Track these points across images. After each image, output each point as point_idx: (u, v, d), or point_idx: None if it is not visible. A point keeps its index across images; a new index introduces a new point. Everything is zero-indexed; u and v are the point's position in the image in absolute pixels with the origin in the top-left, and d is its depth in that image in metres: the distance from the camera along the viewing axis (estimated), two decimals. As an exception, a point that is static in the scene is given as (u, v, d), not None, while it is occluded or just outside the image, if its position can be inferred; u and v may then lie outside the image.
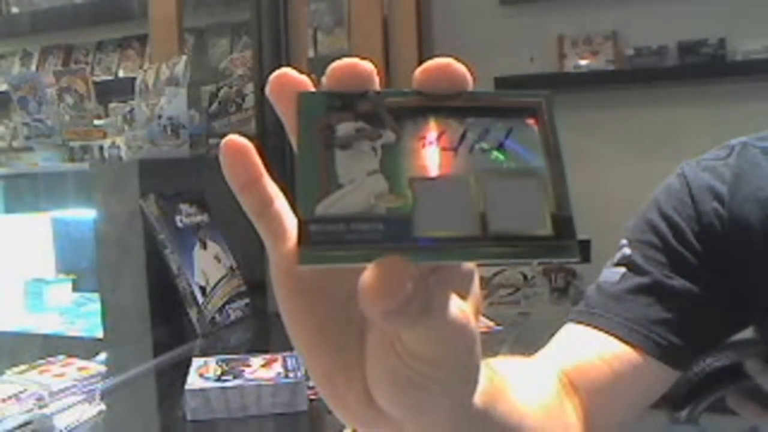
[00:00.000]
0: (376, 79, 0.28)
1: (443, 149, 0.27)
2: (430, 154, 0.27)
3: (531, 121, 0.28)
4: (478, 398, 0.33)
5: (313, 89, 0.29)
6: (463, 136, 0.28)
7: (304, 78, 0.29)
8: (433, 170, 0.27)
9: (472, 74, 0.28)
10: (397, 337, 0.29)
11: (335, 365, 0.32)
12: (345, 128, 0.27)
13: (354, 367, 0.31)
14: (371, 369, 0.31)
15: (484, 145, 0.28)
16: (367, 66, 0.28)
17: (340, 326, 0.32)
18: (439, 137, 0.27)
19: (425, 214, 0.26)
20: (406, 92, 0.28)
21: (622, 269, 0.68)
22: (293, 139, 0.28)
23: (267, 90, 0.30)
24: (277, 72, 0.29)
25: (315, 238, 0.25)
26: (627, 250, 0.69)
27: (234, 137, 0.30)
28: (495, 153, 0.28)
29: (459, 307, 0.29)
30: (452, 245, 0.26)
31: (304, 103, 0.28)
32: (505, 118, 0.28)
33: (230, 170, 0.30)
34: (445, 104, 0.28)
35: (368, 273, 0.25)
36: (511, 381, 0.41)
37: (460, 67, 0.28)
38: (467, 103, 0.28)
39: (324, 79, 0.28)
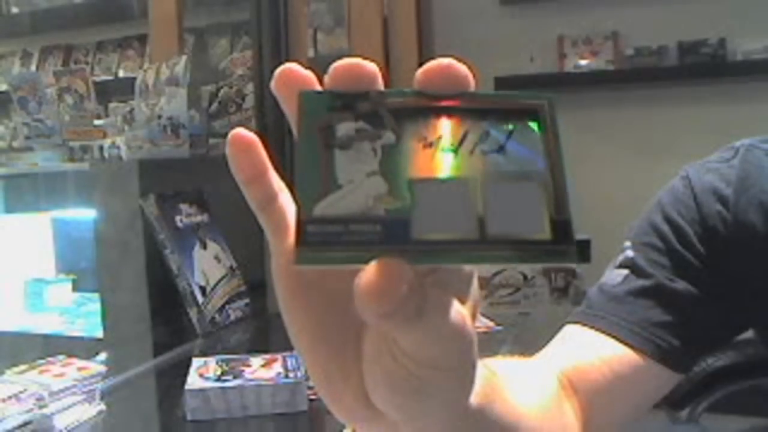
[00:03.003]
0: (380, 80, 0.28)
1: (443, 151, 0.27)
2: (430, 155, 0.27)
3: (533, 124, 0.28)
4: (474, 399, 0.33)
5: (317, 85, 0.29)
6: (463, 138, 0.27)
7: (308, 73, 0.29)
8: (433, 172, 0.27)
9: (473, 75, 0.28)
10: (393, 339, 0.28)
11: (333, 364, 0.32)
12: (345, 128, 0.27)
13: (351, 366, 0.31)
14: (367, 370, 0.31)
15: (485, 147, 0.27)
16: (371, 67, 0.28)
17: (339, 324, 0.32)
18: (439, 138, 0.27)
19: (424, 216, 0.26)
20: (408, 92, 0.28)
21: (625, 271, 0.68)
22: (297, 136, 0.28)
23: (272, 85, 0.29)
24: (282, 67, 0.29)
25: (312, 238, 0.25)
26: (630, 252, 0.68)
27: (241, 130, 0.30)
28: (496, 155, 0.27)
29: (456, 310, 0.28)
30: (450, 248, 0.26)
31: (305, 102, 0.28)
32: (506, 120, 0.28)
33: (236, 163, 0.30)
34: (446, 105, 0.28)
35: (364, 274, 0.25)
36: (509, 381, 0.41)
37: (462, 68, 0.28)
38: (469, 104, 0.28)
39: (327, 79, 0.28)
